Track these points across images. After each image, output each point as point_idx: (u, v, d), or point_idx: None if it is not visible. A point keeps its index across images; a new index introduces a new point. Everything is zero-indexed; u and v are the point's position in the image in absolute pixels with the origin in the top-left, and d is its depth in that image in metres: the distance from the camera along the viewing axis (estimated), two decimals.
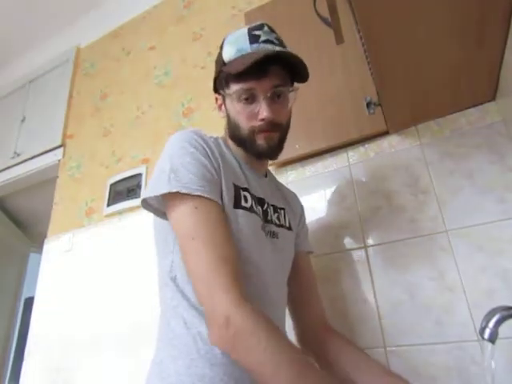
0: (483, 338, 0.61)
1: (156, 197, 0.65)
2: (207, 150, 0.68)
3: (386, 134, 1.13)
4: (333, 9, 0.84)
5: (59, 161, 2.00)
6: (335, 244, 1.09)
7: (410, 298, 0.95)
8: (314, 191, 1.19)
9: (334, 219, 1.12)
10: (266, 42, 0.72)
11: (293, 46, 1.15)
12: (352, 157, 1.16)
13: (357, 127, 1.13)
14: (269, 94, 0.71)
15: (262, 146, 0.73)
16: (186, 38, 1.79)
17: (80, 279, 1.59)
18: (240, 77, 0.69)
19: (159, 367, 0.64)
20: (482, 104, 1.02)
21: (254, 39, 0.71)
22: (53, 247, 1.76)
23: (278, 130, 0.74)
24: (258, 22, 0.75)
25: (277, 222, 0.80)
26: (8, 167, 2.18)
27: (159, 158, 0.69)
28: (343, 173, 1.16)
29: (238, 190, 0.71)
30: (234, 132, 0.75)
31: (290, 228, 0.84)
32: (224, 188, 0.67)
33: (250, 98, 0.71)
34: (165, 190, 0.62)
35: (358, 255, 1.05)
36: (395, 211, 1.04)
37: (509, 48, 0.79)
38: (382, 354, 0.93)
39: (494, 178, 0.95)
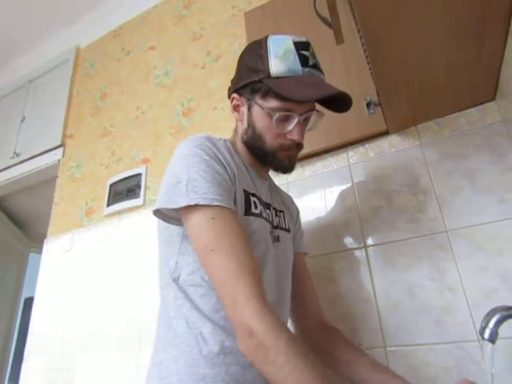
0: (483, 338, 0.61)
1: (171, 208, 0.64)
2: (220, 156, 0.68)
3: (386, 134, 1.13)
4: (333, 9, 0.84)
5: (59, 161, 2.00)
6: (335, 244, 1.09)
7: (410, 298, 0.95)
8: (313, 191, 1.19)
9: (334, 219, 1.12)
10: (314, 67, 0.72)
11: None
12: (352, 157, 1.16)
13: (357, 127, 1.13)
14: (303, 118, 0.72)
15: (283, 163, 0.75)
16: (186, 38, 1.79)
17: (80, 279, 1.59)
18: (282, 96, 0.68)
19: (159, 368, 0.64)
20: (481, 104, 1.02)
21: (304, 61, 0.70)
22: (53, 247, 1.76)
23: (299, 150, 0.77)
24: (303, 39, 0.73)
25: (278, 225, 0.81)
26: (8, 167, 2.17)
27: (170, 164, 0.68)
28: (343, 173, 1.16)
29: (248, 195, 0.71)
30: (254, 142, 0.75)
31: (288, 230, 0.85)
32: (237, 194, 0.67)
33: (284, 118, 0.71)
34: (184, 203, 0.61)
35: (358, 255, 1.05)
36: (395, 211, 1.04)
37: (509, 48, 0.79)
38: (382, 354, 0.93)
39: (494, 178, 0.95)
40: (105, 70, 2.09)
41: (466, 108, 1.04)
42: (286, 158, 0.75)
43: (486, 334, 0.60)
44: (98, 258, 1.58)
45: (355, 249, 1.06)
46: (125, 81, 1.95)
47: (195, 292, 0.65)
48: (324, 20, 0.97)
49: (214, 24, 1.72)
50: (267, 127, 0.72)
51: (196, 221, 0.61)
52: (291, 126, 0.71)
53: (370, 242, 1.05)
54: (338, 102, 0.75)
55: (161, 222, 0.72)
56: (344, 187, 1.14)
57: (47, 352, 1.54)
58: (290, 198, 0.98)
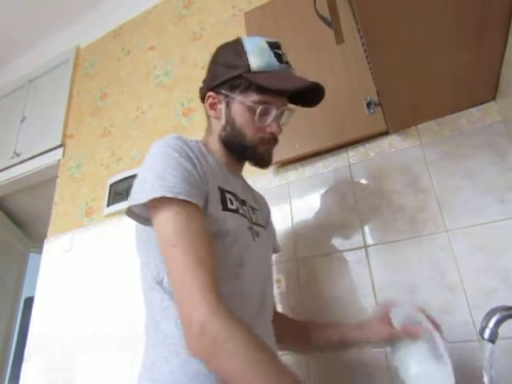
0: (483, 338, 0.61)
1: (140, 204, 0.64)
2: (191, 155, 0.67)
3: (386, 133, 1.13)
4: (333, 9, 0.84)
5: (59, 161, 2.00)
6: (335, 244, 1.09)
7: (410, 297, 0.95)
8: (314, 191, 1.19)
9: (334, 219, 1.12)
10: (287, 64, 0.77)
11: (293, 46, 1.16)
12: (352, 157, 1.16)
13: (357, 127, 1.12)
14: (279, 112, 0.75)
15: (263, 157, 0.77)
16: (186, 38, 1.79)
17: (80, 279, 1.59)
18: (263, 90, 0.72)
19: (150, 370, 0.64)
20: (482, 104, 1.02)
21: (278, 58, 0.74)
22: (53, 247, 1.76)
23: (275, 144, 0.79)
24: (273, 39, 0.77)
25: (256, 221, 0.82)
26: (8, 167, 2.17)
27: (143, 165, 0.68)
28: (343, 173, 1.16)
29: (223, 192, 0.71)
30: (233, 138, 0.76)
31: (264, 227, 0.86)
32: (210, 192, 0.67)
33: (263, 112, 0.73)
34: (150, 196, 0.61)
35: (358, 255, 1.05)
36: (395, 211, 1.04)
37: (509, 47, 0.79)
38: (382, 354, 0.93)
39: (494, 177, 0.95)
40: (105, 70, 2.09)
41: (467, 108, 1.04)
42: (265, 152, 0.77)
43: (486, 334, 0.60)
44: (98, 258, 1.58)
45: (355, 249, 1.06)
46: (125, 81, 1.95)
47: None
48: (324, 20, 0.97)
49: (214, 24, 1.72)
50: (248, 122, 0.74)
51: (161, 215, 0.61)
52: (270, 119, 0.74)
53: (370, 241, 1.05)
54: (309, 97, 0.80)
55: (138, 225, 0.73)
56: (344, 187, 1.14)
57: (47, 352, 1.54)
58: (262, 197, 0.98)
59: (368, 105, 1.09)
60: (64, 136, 2.05)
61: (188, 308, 0.55)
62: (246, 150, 0.76)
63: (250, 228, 0.76)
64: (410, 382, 0.72)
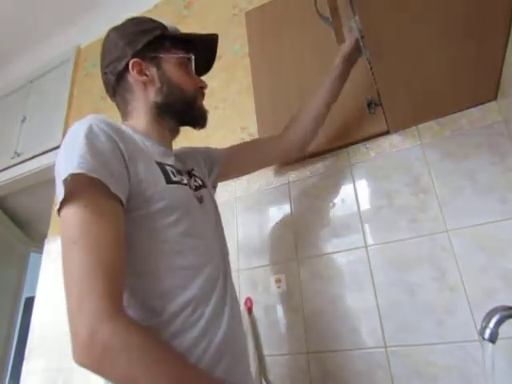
0: (483, 338, 0.61)
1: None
2: (114, 137, 0.62)
3: (386, 133, 1.13)
4: (334, 9, 0.84)
5: None
6: (335, 244, 1.09)
7: (410, 297, 0.95)
8: (314, 191, 1.19)
9: (334, 219, 1.12)
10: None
11: (293, 46, 1.16)
12: (353, 157, 1.16)
13: (357, 127, 1.13)
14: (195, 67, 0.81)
15: (203, 111, 0.82)
16: None
17: None
18: (183, 46, 0.79)
19: None
20: (482, 104, 1.02)
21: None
22: (54, 247, 1.76)
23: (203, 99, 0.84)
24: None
25: (198, 184, 0.81)
26: (8, 167, 2.17)
27: (59, 151, 0.62)
28: (344, 173, 1.16)
29: (162, 166, 0.69)
30: (172, 96, 0.77)
31: (204, 185, 0.83)
32: (144, 169, 0.63)
33: (189, 66, 0.79)
34: (60, 196, 0.55)
35: (358, 255, 1.05)
36: (396, 211, 1.04)
37: (510, 47, 0.79)
38: (382, 354, 0.93)
39: (494, 178, 0.95)
40: None
41: (467, 108, 1.03)
42: (202, 105, 0.82)
43: (487, 334, 0.60)
44: None
45: (356, 248, 1.06)
46: None
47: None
48: (325, 20, 0.97)
49: (214, 24, 1.72)
50: (182, 76, 0.78)
51: (68, 208, 0.55)
52: (193, 73, 0.81)
53: (370, 241, 1.05)
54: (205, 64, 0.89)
55: None
56: (345, 187, 1.14)
57: (48, 352, 1.54)
58: (189, 149, 0.94)
59: (368, 105, 1.09)
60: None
61: (77, 316, 0.50)
62: (187, 104, 0.78)
63: (196, 197, 0.74)
64: None
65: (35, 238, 2.75)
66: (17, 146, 2.19)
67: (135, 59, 0.76)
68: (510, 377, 0.79)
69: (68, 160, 0.56)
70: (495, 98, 1.00)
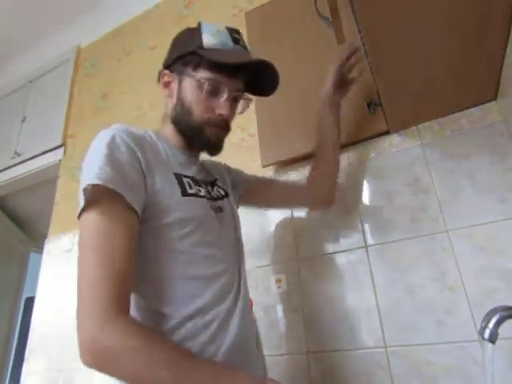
0: (483, 338, 0.61)
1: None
2: (134, 147, 0.64)
3: (386, 133, 1.13)
4: (334, 9, 0.84)
5: (60, 161, 2.00)
6: (336, 244, 1.09)
7: (410, 297, 0.95)
8: None
9: (334, 219, 1.12)
10: (244, 47, 0.76)
11: (293, 46, 1.16)
12: (352, 157, 1.16)
13: (357, 127, 1.13)
14: (232, 95, 0.73)
15: (210, 140, 0.74)
16: None
17: None
18: (214, 67, 0.70)
19: None
20: (482, 104, 1.02)
21: (235, 40, 0.73)
22: (54, 247, 1.76)
23: (227, 130, 0.76)
24: (234, 27, 0.77)
25: (218, 194, 0.81)
26: (9, 167, 2.18)
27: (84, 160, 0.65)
28: (344, 172, 1.16)
29: (179, 177, 0.70)
30: (182, 117, 0.74)
31: (226, 194, 0.84)
32: (161, 181, 0.65)
33: (213, 91, 0.72)
34: (80, 204, 0.58)
35: (358, 255, 1.05)
36: (396, 211, 1.04)
37: (510, 47, 0.79)
38: (382, 354, 0.93)
39: (494, 178, 0.95)
40: (106, 70, 2.09)
41: (467, 108, 1.03)
42: (212, 135, 0.74)
43: (486, 334, 0.60)
44: None
45: (355, 249, 1.06)
46: (125, 81, 1.95)
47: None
48: (325, 20, 0.97)
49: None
50: (196, 99, 0.72)
51: (86, 214, 0.59)
52: (221, 99, 0.72)
53: (370, 241, 1.05)
54: (267, 86, 0.79)
55: None
56: (344, 187, 1.14)
57: (48, 352, 1.54)
58: (214, 162, 0.94)
59: (368, 105, 1.09)
60: (65, 136, 2.05)
61: (79, 320, 0.55)
62: (192, 130, 0.73)
63: (213, 207, 0.74)
64: None
65: (35, 238, 2.75)
66: (17, 145, 2.19)
67: (165, 71, 0.77)
68: (510, 377, 0.79)
69: (89, 169, 0.60)
70: (495, 98, 1.00)
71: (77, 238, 1.82)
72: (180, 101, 0.74)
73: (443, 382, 0.86)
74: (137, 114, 1.80)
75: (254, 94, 0.81)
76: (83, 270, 0.57)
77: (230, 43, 0.72)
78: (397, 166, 1.08)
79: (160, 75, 0.79)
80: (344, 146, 1.17)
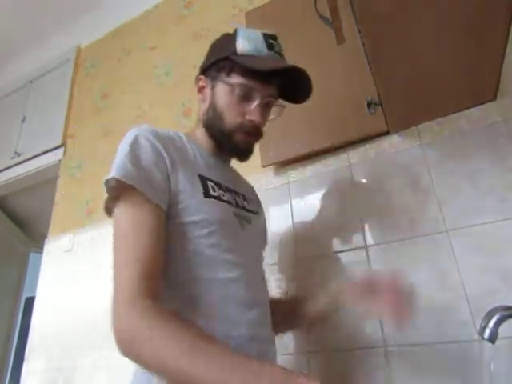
0: (483, 338, 0.61)
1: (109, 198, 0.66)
2: (159, 146, 0.66)
3: (386, 133, 1.13)
4: (334, 9, 0.84)
5: (60, 161, 2.00)
6: (335, 244, 1.09)
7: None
8: (314, 191, 1.19)
9: (334, 219, 1.12)
10: (279, 53, 0.75)
11: (293, 46, 1.15)
12: (352, 157, 1.16)
13: (357, 127, 1.13)
14: (265, 101, 0.73)
15: (239, 146, 0.74)
16: (187, 38, 1.79)
17: (80, 279, 1.59)
18: (247, 73, 0.70)
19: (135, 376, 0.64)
20: (482, 104, 1.02)
21: (270, 46, 0.73)
22: (54, 247, 1.76)
23: (257, 137, 0.76)
24: (272, 32, 0.76)
25: (247, 207, 0.81)
26: (9, 167, 2.18)
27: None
28: (343, 173, 1.16)
29: (204, 180, 0.71)
30: (213, 121, 0.75)
31: (257, 213, 0.86)
32: (185, 182, 0.66)
33: (246, 96, 0.72)
34: (110, 185, 0.63)
35: (358, 255, 1.05)
36: (396, 211, 1.04)
37: (510, 47, 0.79)
38: (381, 354, 0.93)
39: (494, 178, 0.95)
40: (105, 70, 2.09)
41: (467, 108, 1.03)
42: (242, 141, 0.74)
43: (486, 334, 0.60)
44: (98, 258, 1.58)
45: (355, 249, 1.06)
46: (126, 81, 1.95)
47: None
48: (325, 20, 0.97)
49: (214, 24, 1.72)
50: (228, 104, 0.72)
51: (116, 209, 0.64)
52: (252, 105, 0.72)
53: (370, 241, 1.05)
54: (300, 93, 0.78)
55: None
56: (344, 187, 1.14)
57: (48, 352, 1.54)
58: (253, 188, 0.95)
59: (368, 105, 1.09)
60: (65, 136, 2.05)
61: (114, 308, 0.55)
62: (223, 135, 0.74)
63: (237, 214, 0.75)
64: None
65: (35, 238, 2.75)
66: (17, 146, 2.20)
67: (201, 76, 0.79)
68: (510, 377, 0.79)
69: (116, 164, 0.64)
70: (495, 98, 1.00)
71: (76, 239, 1.82)
72: (212, 105, 0.75)
73: (443, 381, 0.86)
74: (137, 114, 1.80)
75: (288, 100, 0.81)
76: (116, 259, 0.59)
77: (265, 49, 0.72)
78: (396, 166, 1.08)
79: (196, 80, 0.80)
80: (344, 146, 1.17)
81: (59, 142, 2.02)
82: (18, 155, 2.15)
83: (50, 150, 2.05)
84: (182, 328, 0.52)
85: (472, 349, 0.85)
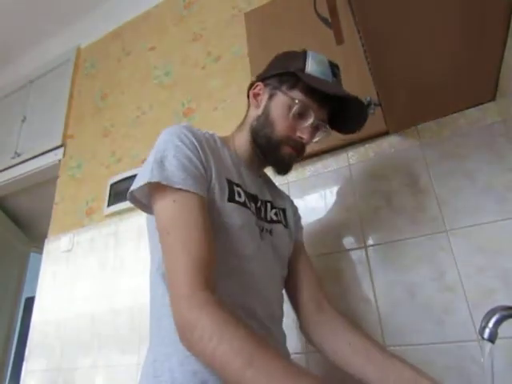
0: (483, 338, 0.61)
1: (142, 191, 0.65)
2: (196, 143, 0.67)
3: (386, 134, 1.13)
4: (333, 9, 0.84)
5: (60, 161, 2.00)
6: (335, 244, 1.09)
7: (410, 297, 0.95)
8: (314, 191, 1.19)
9: (334, 219, 1.12)
10: (339, 83, 0.79)
11: (292, 47, 1.16)
12: (352, 157, 1.16)
13: None
14: (316, 123, 0.75)
15: (283, 159, 0.76)
16: (187, 39, 1.79)
17: (80, 279, 1.59)
18: (309, 92, 0.73)
19: (153, 366, 0.63)
20: (482, 104, 1.02)
21: (334, 74, 0.77)
22: (53, 247, 1.77)
23: (301, 154, 0.78)
24: (334, 61, 0.80)
25: (274, 218, 0.81)
26: (9, 167, 2.18)
27: (151, 152, 0.69)
28: (343, 173, 1.16)
29: (231, 184, 0.71)
30: (263, 128, 0.76)
31: (286, 226, 0.85)
32: (215, 182, 0.67)
33: (301, 113, 0.74)
34: (146, 180, 0.61)
35: (358, 255, 1.05)
36: (395, 211, 1.04)
37: (509, 47, 0.79)
38: None
39: (493, 178, 0.95)
40: (105, 71, 2.09)
41: (466, 108, 1.04)
42: (287, 155, 0.75)
43: (486, 334, 0.60)
44: (98, 258, 1.58)
45: (355, 249, 1.06)
46: (125, 81, 1.95)
47: None
48: (324, 20, 0.97)
49: (214, 24, 1.72)
50: (282, 116, 0.74)
51: (159, 203, 0.62)
52: (306, 123, 0.74)
53: (370, 241, 1.05)
54: (350, 123, 0.81)
55: (148, 218, 0.73)
56: (344, 187, 1.14)
57: (48, 352, 1.54)
58: (288, 196, 0.97)
59: (368, 105, 1.09)
60: (65, 136, 2.05)
61: (172, 303, 0.55)
62: (270, 144, 0.75)
63: (259, 225, 0.75)
64: None
65: (35, 238, 2.76)
66: (17, 146, 2.20)
67: (259, 83, 0.80)
68: (510, 377, 0.79)
69: (155, 167, 0.62)
70: (494, 98, 1.00)
71: (76, 239, 1.83)
72: (265, 113, 0.76)
73: (443, 381, 0.86)
74: (137, 114, 1.80)
75: (332, 127, 0.82)
76: (167, 255, 0.59)
77: (330, 75, 0.76)
78: (396, 166, 1.09)
79: (251, 85, 0.81)
80: (344, 146, 1.18)
81: (59, 142, 2.02)
82: (18, 155, 2.15)
83: (50, 150, 2.05)
84: (248, 336, 0.51)
85: (471, 348, 0.85)
